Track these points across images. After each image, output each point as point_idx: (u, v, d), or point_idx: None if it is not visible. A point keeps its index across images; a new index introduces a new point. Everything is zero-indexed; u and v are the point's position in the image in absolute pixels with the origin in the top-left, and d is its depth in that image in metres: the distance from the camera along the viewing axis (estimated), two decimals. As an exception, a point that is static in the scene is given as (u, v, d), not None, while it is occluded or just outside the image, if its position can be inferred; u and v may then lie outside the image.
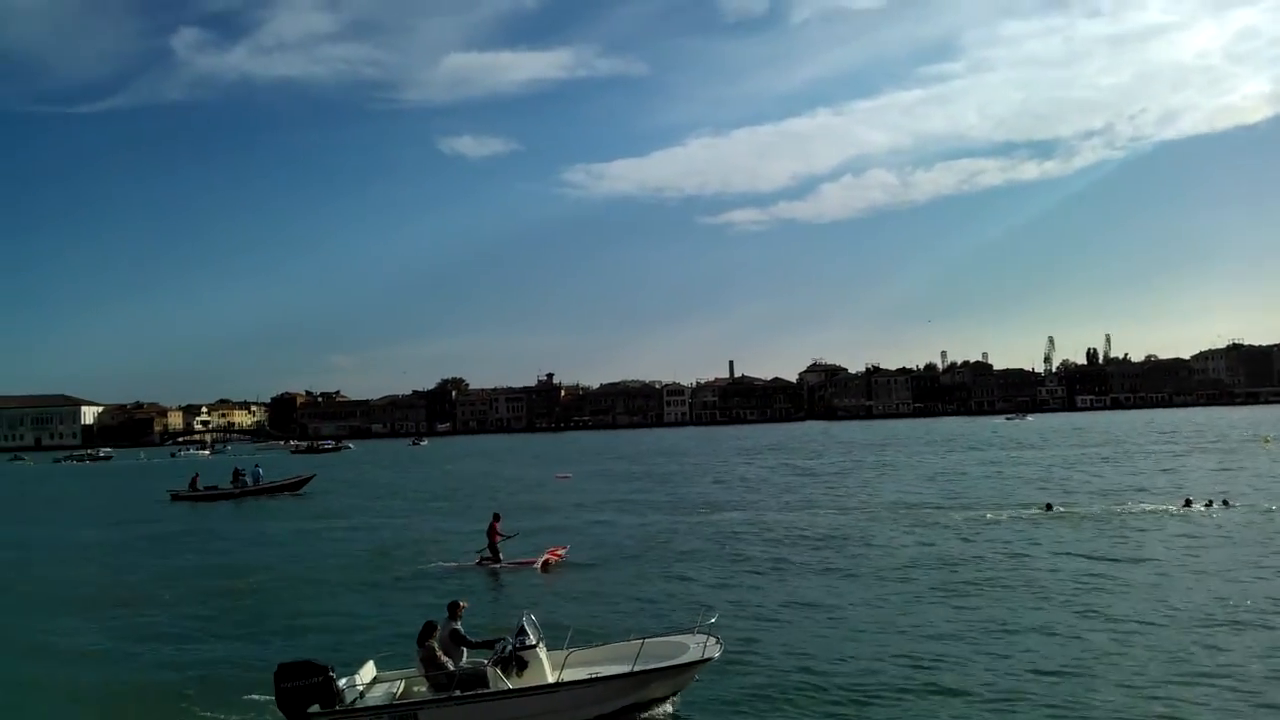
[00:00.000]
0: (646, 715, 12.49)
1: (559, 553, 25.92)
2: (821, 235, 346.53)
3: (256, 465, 58.88)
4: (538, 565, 24.85)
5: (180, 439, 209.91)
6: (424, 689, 12.18)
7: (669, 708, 12.69)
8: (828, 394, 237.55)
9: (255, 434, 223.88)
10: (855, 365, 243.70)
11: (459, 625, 12.82)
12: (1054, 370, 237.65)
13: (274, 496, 52.93)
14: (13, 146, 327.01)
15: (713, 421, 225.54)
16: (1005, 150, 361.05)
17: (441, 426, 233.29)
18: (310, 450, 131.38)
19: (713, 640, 12.67)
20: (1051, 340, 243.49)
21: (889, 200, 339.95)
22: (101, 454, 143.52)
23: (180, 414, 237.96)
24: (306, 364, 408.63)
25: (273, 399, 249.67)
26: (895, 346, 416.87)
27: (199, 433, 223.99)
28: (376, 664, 12.95)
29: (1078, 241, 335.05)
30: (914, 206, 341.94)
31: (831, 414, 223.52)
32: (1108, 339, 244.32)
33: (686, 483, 52.52)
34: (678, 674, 12.49)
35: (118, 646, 18.04)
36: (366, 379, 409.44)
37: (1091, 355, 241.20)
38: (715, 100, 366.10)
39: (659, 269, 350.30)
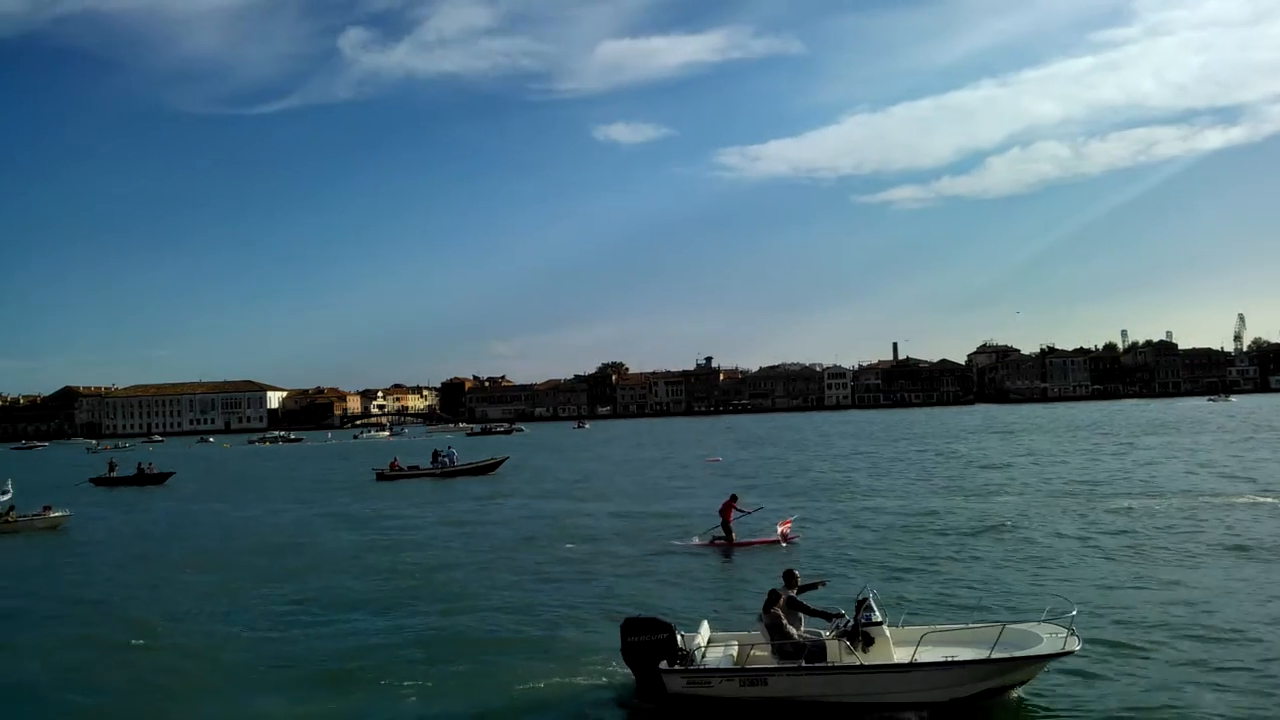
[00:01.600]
0: (992, 703, 11.65)
1: (788, 524, 25.23)
2: (988, 211, 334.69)
3: (450, 447, 60.42)
4: (780, 540, 24.29)
5: (358, 422, 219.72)
6: (762, 654, 12.00)
7: (1014, 698, 11.82)
8: (999, 376, 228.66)
9: (426, 417, 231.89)
10: (1027, 346, 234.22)
11: (795, 593, 12.56)
12: (1245, 349, 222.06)
13: (471, 477, 54.10)
14: (198, 147, 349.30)
15: (875, 405, 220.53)
16: (1185, 118, 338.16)
17: (602, 410, 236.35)
18: (485, 433, 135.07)
19: (1071, 634, 11.66)
20: (1242, 318, 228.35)
21: (1060, 173, 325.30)
22: (293, 436, 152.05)
23: (358, 398, 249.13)
24: (472, 350, 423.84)
25: (443, 384, 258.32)
26: (1070, 325, 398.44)
27: (375, 416, 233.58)
28: (711, 624, 12.94)
29: (1268, 212, 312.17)
30: (1087, 179, 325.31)
31: (1003, 396, 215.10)
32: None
33: (909, 464, 50.91)
34: (1034, 665, 11.61)
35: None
36: (528, 364, 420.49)
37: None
38: (872, 76, 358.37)
39: (816, 250, 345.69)
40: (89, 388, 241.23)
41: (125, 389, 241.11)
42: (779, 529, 24.88)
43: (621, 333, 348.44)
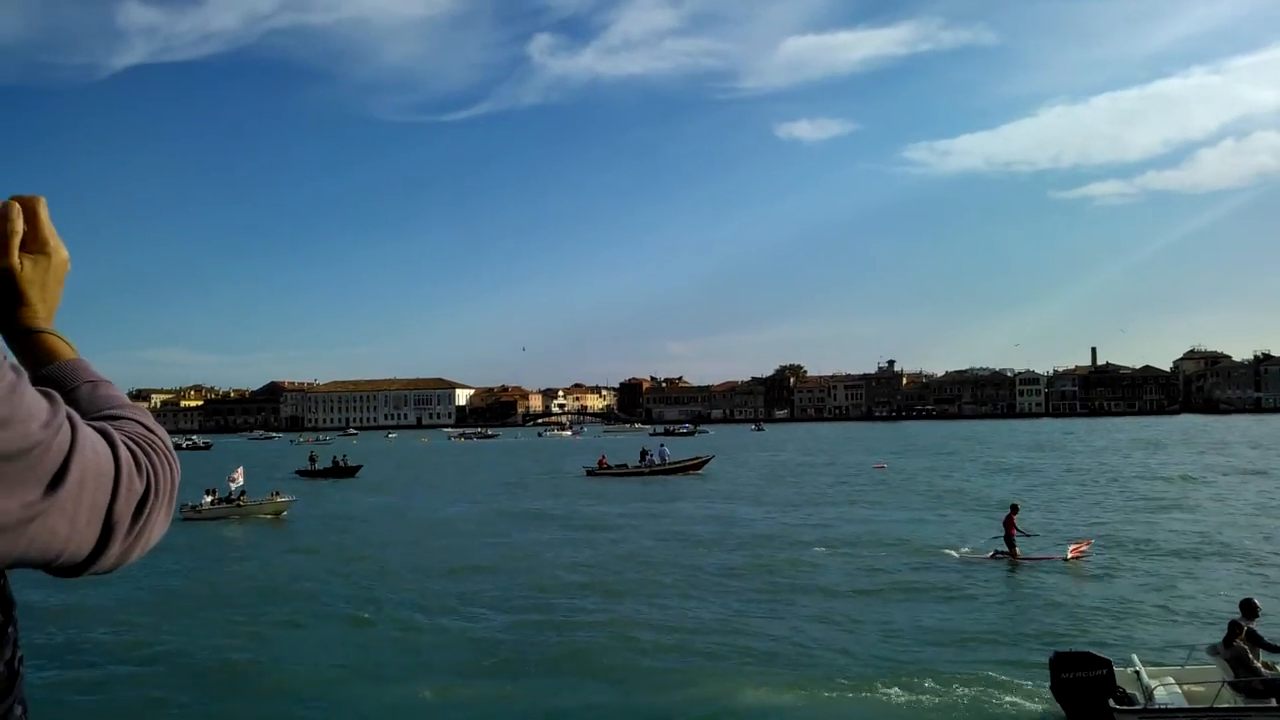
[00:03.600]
0: None
1: (1083, 548, 23.54)
2: (1199, 206, 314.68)
3: (663, 446, 60.97)
4: (1068, 558, 22.82)
5: (539, 420, 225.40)
6: (1206, 690, 10.96)
7: None
8: (1207, 384, 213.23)
9: (605, 417, 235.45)
10: (1240, 352, 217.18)
11: (1255, 625, 11.41)
12: None
13: (679, 475, 54.13)
14: (392, 153, 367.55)
15: (1072, 413, 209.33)
16: None
17: (779, 413, 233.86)
18: (667, 434, 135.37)
19: None
20: None
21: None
22: (490, 433, 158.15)
23: (540, 397, 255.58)
24: (649, 351, 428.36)
25: (621, 384, 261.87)
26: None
27: (555, 415, 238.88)
28: (1140, 659, 12.03)
29: None
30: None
31: (1212, 407, 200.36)
32: None
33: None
34: None
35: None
36: (704, 365, 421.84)
37: None
38: (1071, 66, 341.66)
39: (1009, 248, 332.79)
40: (293, 383, 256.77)
41: (326, 384, 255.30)
42: (1070, 550, 23.29)
43: (801, 334, 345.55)
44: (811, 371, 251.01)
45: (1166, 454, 65.81)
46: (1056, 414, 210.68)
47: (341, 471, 61.46)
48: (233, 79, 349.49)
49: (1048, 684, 11.63)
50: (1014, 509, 24.48)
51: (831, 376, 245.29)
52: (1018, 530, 23.81)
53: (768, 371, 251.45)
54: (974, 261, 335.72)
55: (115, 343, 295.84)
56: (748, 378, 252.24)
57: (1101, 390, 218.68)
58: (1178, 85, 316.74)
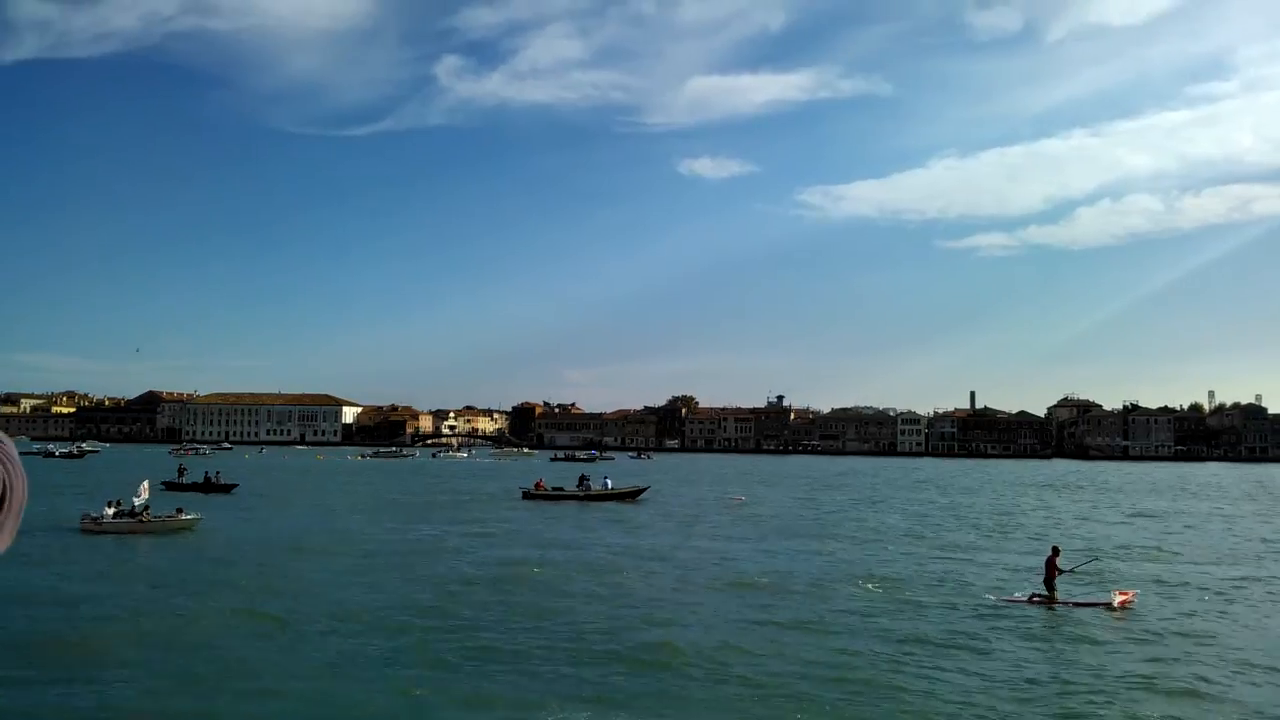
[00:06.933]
0: None
1: (1129, 596, 23.33)
2: (1076, 262, 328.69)
3: (606, 477, 62.05)
4: (1114, 603, 22.64)
5: (429, 441, 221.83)
6: None
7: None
8: (1079, 431, 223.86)
9: (496, 440, 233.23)
10: (1110, 402, 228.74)
11: None
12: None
13: (617, 502, 55.25)
14: (288, 166, 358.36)
15: (950, 454, 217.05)
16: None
17: (670, 443, 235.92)
18: (569, 459, 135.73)
19: None
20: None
21: (1152, 227, 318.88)
22: (404, 452, 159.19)
23: (430, 418, 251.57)
24: (544, 376, 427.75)
25: (514, 408, 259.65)
26: (1155, 383, 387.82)
27: (446, 436, 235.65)
28: None
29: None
30: (1180, 234, 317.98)
31: (1083, 453, 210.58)
32: None
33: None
34: None
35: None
36: (598, 393, 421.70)
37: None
38: (962, 120, 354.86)
39: (897, 293, 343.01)
40: (172, 393, 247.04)
41: (206, 396, 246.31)
42: (1118, 596, 23.07)
43: (694, 367, 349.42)
44: (704, 403, 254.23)
45: (1063, 495, 69.04)
46: (935, 454, 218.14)
47: (214, 488, 58.67)
48: (129, 80, 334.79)
49: None
50: (1055, 551, 24.10)
51: (723, 409, 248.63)
52: (1060, 570, 23.42)
53: (661, 401, 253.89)
54: (863, 304, 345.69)
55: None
56: (641, 406, 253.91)
57: (979, 433, 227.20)
58: (1060, 145, 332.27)
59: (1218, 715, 13.94)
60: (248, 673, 16.01)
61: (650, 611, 21.54)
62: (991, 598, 23.85)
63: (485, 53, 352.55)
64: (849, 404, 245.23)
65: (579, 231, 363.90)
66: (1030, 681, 16.13)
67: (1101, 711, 14.29)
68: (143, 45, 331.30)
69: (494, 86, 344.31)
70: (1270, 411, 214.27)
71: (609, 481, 59.39)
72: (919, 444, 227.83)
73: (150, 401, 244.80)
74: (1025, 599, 23.27)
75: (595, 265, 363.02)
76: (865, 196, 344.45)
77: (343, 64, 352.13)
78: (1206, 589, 25.94)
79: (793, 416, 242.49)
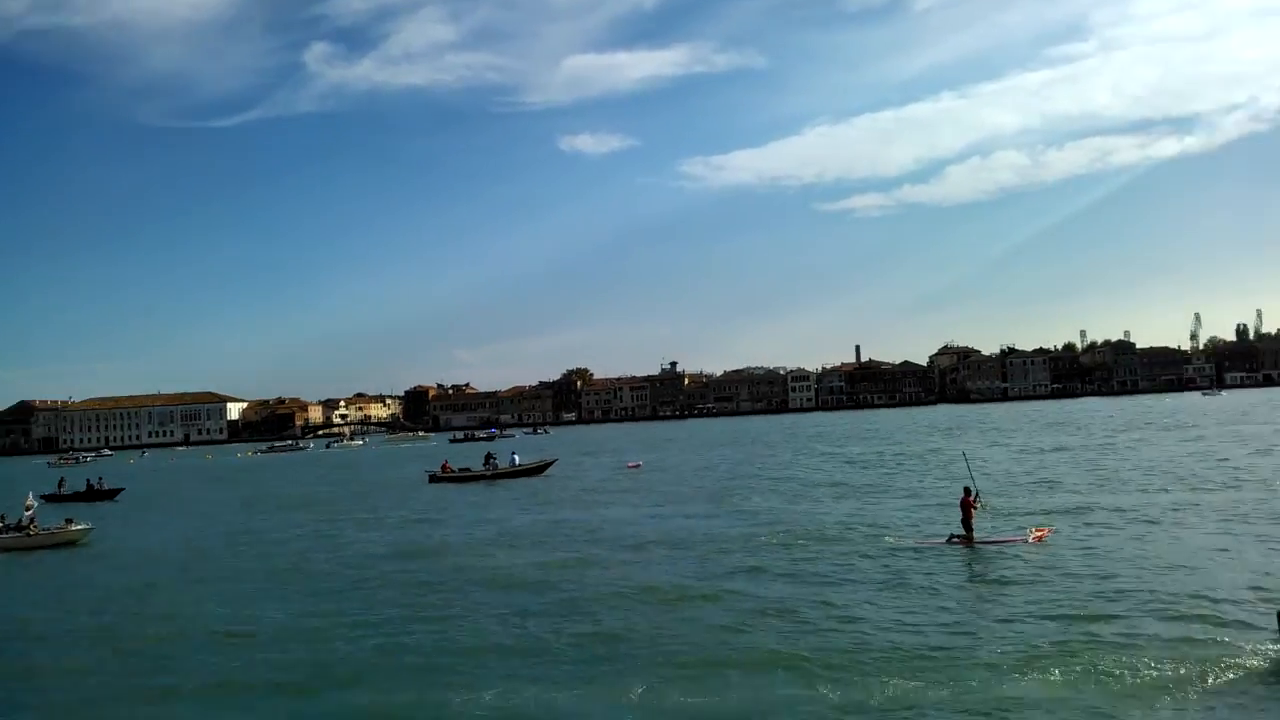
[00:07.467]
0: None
1: (1044, 532, 23.78)
2: (949, 217, 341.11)
3: (514, 453, 62.43)
4: (1029, 539, 22.99)
5: (320, 432, 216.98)
6: None
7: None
8: (960, 377, 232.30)
9: (390, 426, 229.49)
10: (988, 347, 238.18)
11: None
12: (1201, 348, 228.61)
13: (521, 479, 54.36)
14: (157, 160, 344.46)
15: (840, 406, 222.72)
16: (1141, 127, 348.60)
17: (568, 416, 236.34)
18: (469, 439, 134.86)
19: None
20: (1198, 317, 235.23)
21: (1019, 181, 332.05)
22: (300, 445, 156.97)
23: (320, 408, 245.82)
24: (435, 359, 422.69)
25: (406, 392, 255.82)
26: (1029, 326, 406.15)
27: (337, 426, 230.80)
28: None
29: (1223, 215, 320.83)
30: (1045, 186, 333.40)
31: (965, 397, 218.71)
32: (1259, 314, 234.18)
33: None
34: None
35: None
36: (492, 372, 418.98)
37: (1241, 331, 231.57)
38: (835, 89, 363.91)
39: (780, 255, 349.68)
40: (45, 401, 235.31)
41: (83, 402, 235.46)
42: (1032, 533, 23.47)
43: (586, 339, 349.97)
44: (598, 374, 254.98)
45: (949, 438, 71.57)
46: (825, 407, 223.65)
47: (98, 495, 57.00)
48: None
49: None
50: (967, 492, 24.18)
51: (617, 379, 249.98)
52: (977, 506, 23.82)
53: (555, 376, 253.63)
54: (748, 268, 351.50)
55: None
56: (536, 382, 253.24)
57: (865, 385, 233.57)
58: (929, 109, 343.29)
59: (1132, 637, 14.68)
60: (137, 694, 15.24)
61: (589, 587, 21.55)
62: (910, 542, 24.11)
63: (355, 39, 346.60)
64: (741, 366, 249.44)
65: (461, 213, 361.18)
66: (956, 620, 16.44)
67: (1035, 642, 14.75)
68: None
69: (366, 71, 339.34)
70: (1138, 346, 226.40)
71: (516, 458, 59.15)
72: (809, 400, 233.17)
73: (23, 411, 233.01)
74: (944, 541, 23.55)
75: (482, 245, 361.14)
76: (744, 165, 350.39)
77: (207, 54, 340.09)
78: (1116, 516, 26.83)
79: (687, 382, 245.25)
